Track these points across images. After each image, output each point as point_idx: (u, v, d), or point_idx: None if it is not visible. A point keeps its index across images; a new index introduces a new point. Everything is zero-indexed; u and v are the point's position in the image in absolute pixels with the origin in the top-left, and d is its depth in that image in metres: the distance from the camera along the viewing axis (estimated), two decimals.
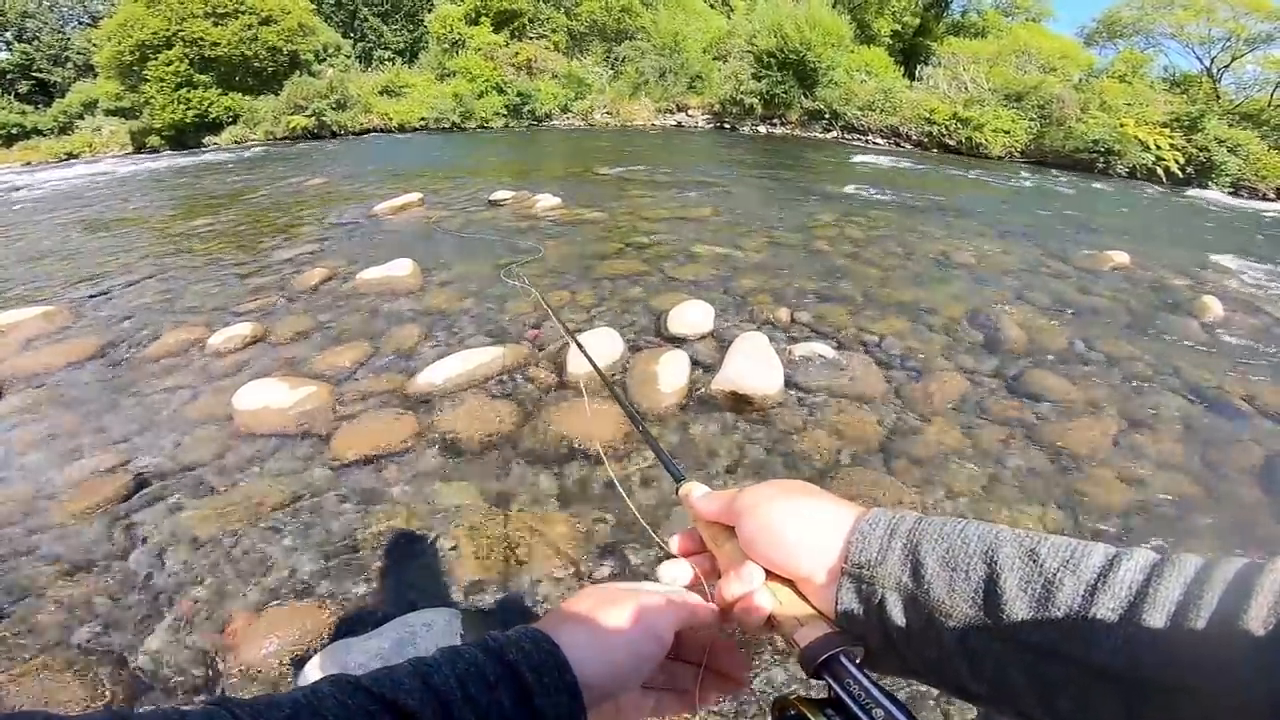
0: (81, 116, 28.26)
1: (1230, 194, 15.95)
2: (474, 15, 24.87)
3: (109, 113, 26.00)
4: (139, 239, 6.78)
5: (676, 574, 0.54)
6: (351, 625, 1.92)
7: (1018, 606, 0.37)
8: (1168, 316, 4.69)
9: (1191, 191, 15.38)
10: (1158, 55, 23.16)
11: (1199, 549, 2.40)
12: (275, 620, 1.93)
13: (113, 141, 25.17)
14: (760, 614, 0.47)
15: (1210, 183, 16.31)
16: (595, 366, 0.97)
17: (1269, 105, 19.04)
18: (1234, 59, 21.25)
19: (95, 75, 27.41)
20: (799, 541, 0.46)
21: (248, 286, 4.78)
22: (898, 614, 0.42)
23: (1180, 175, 16.37)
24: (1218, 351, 4.15)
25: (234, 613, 1.97)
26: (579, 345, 1.08)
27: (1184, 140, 16.57)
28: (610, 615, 0.46)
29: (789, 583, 0.48)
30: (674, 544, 0.58)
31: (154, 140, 23.55)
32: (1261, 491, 2.73)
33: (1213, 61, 21.78)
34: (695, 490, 0.58)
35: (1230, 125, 17.34)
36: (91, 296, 4.77)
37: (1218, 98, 20.61)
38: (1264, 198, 15.96)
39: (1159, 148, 16.47)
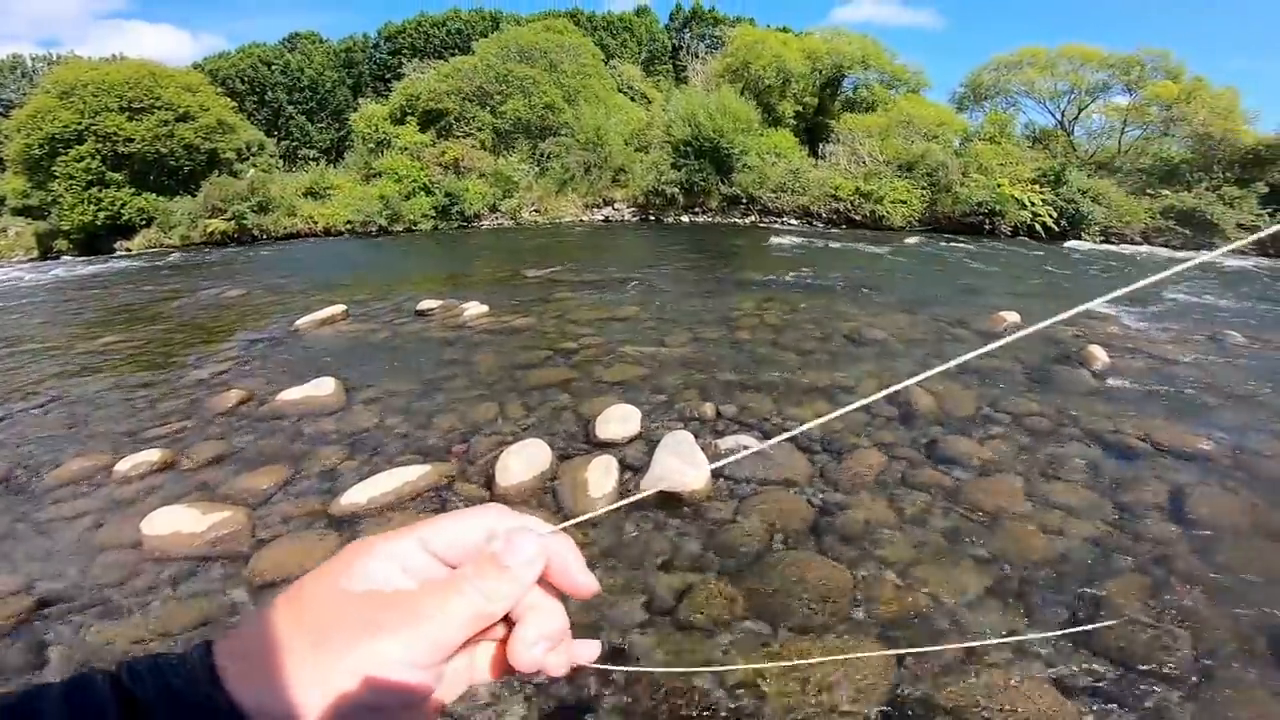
0: None
1: (1101, 242, 17.72)
2: (399, 115, 25.52)
3: (15, 211, 24.52)
4: (42, 358, 6.39)
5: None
6: None
7: None
8: (1061, 369, 5.10)
9: (1068, 244, 17.01)
10: (1018, 114, 25.48)
11: (1126, 587, 2.54)
12: None
13: (18, 244, 23.75)
14: None
15: (1083, 234, 18.05)
16: None
17: (1120, 152, 21.49)
18: (1080, 110, 23.61)
19: (2, 169, 26.09)
20: None
21: (158, 410, 4.56)
22: None
23: (1056, 229, 18.05)
24: (1110, 396, 4.53)
25: None
26: None
27: (1053, 195, 18.34)
28: (342, 629, 0.33)
29: None
30: None
31: (62, 244, 22.28)
32: (1173, 524, 2.93)
33: (1063, 114, 24.16)
34: None
35: (1090, 175, 19.29)
36: None
37: (1074, 149, 23.00)
38: (1131, 242, 17.78)
39: (1034, 204, 18.16)
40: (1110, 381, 4.87)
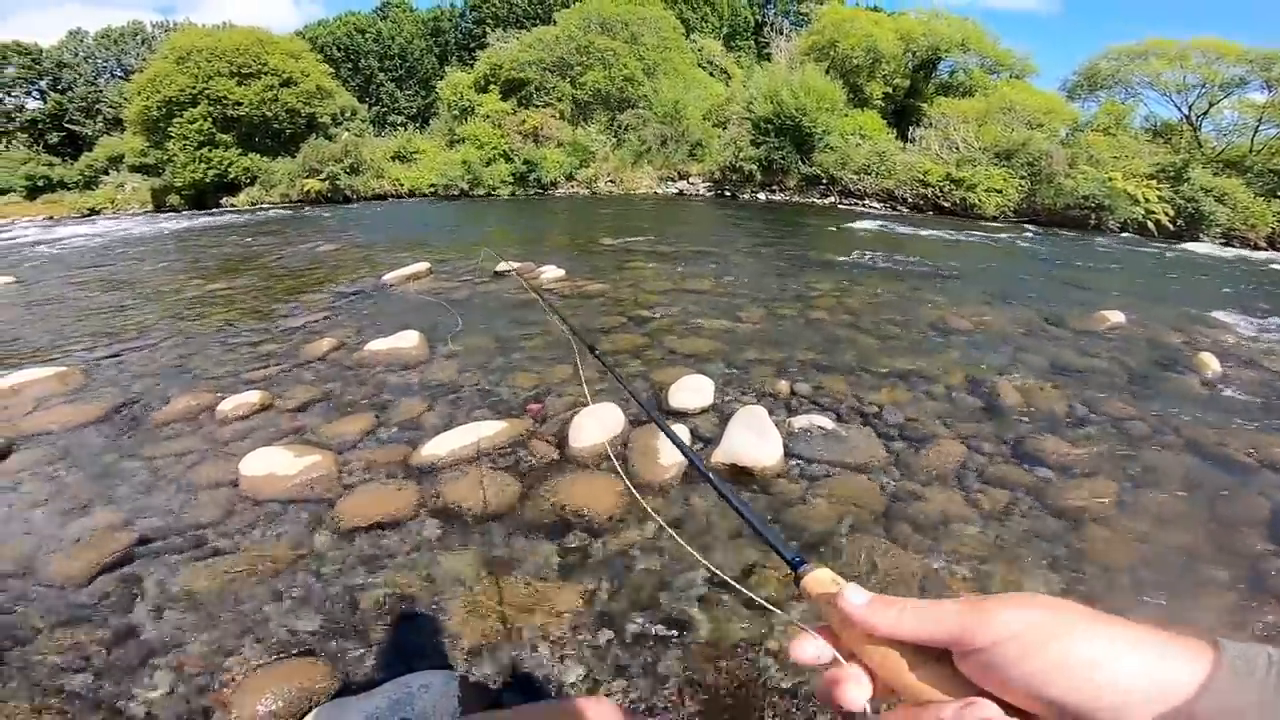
0: (106, 171, 29.29)
1: (1222, 245, 16.11)
2: (483, 83, 26.08)
3: (133, 168, 26.94)
4: (154, 301, 6.96)
5: (814, 653, 0.45)
6: (349, 684, 1.93)
7: None
8: (1166, 375, 4.72)
9: (1183, 244, 15.54)
10: (1138, 105, 23.63)
11: (1212, 601, 2.39)
12: (272, 676, 1.94)
13: (134, 199, 26.04)
14: None
15: (1201, 234, 16.49)
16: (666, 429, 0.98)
17: (1251, 151, 19.38)
18: (1211, 105, 21.56)
19: (123, 129, 28.55)
20: (1127, 683, 0.36)
21: (258, 353, 4.88)
22: None
23: (1171, 228, 16.58)
24: (1218, 408, 4.15)
25: (231, 667, 1.98)
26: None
27: (1171, 192, 16.82)
28: None
29: None
30: (800, 647, 0.46)
31: (174, 199, 24.37)
32: (1273, 543, 2.71)
33: (1191, 109, 22.14)
34: (850, 593, 0.45)
35: (1215, 174, 17.56)
36: (104, 358, 4.87)
37: (1199, 146, 20.92)
38: (1255, 247, 16.09)
39: (1148, 200, 16.72)
40: (1221, 391, 4.47)
